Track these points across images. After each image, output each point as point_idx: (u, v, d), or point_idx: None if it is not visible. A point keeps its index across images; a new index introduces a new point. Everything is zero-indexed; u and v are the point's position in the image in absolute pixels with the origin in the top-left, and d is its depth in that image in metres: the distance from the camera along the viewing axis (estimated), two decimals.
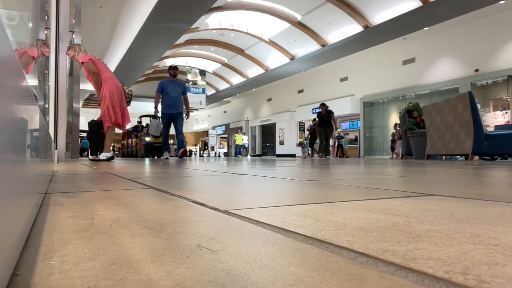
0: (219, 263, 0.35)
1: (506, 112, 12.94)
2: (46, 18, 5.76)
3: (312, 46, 16.80)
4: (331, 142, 18.07)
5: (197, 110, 28.94)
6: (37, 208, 0.67)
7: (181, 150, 7.28)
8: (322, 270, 0.33)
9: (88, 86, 5.29)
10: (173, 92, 7.32)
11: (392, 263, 0.35)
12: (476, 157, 6.15)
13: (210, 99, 27.64)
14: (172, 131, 7.83)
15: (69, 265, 0.35)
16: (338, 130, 15.97)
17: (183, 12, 11.69)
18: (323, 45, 16.28)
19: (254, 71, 21.41)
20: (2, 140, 0.27)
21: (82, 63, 4.83)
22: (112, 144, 5.46)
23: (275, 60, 19.41)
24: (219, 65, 22.73)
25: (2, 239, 0.26)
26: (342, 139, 17.93)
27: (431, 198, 0.86)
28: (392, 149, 15.69)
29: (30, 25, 5.60)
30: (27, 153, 0.52)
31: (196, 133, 36.42)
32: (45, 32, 5.69)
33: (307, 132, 18.58)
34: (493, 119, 13.02)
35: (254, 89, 24.15)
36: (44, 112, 5.44)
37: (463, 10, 11.62)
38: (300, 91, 21.78)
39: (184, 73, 23.94)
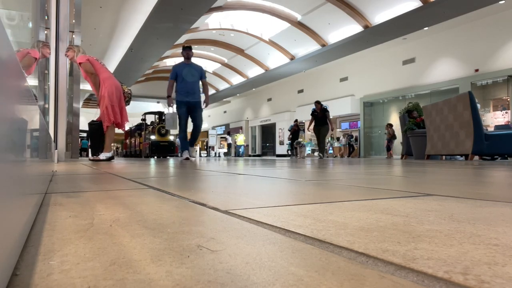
0: (219, 263, 0.35)
1: (506, 112, 12.94)
2: (46, 18, 5.76)
3: (312, 46, 16.80)
4: (342, 141, 17.80)
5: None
6: (37, 208, 0.67)
7: (187, 153, 6.26)
8: (322, 270, 0.33)
9: (88, 86, 5.27)
10: (188, 77, 6.28)
11: (392, 263, 0.35)
12: (476, 157, 6.15)
13: (210, 99, 27.61)
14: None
15: (69, 265, 0.35)
16: (333, 129, 15.94)
17: (183, 12, 11.69)
18: (323, 45, 16.27)
19: (254, 71, 21.41)
20: (2, 140, 0.27)
21: (80, 63, 4.84)
22: (113, 145, 5.47)
23: (275, 60, 19.41)
24: (219, 65, 22.73)
25: (2, 239, 0.26)
26: (353, 139, 17.67)
27: (431, 198, 0.86)
28: (388, 149, 15.74)
29: (30, 25, 5.60)
30: (27, 153, 0.52)
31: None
32: (45, 32, 5.69)
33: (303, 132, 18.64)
34: (493, 119, 13.02)
35: (254, 89, 24.15)
36: (44, 112, 5.44)
37: (463, 10, 11.62)
38: (300, 91, 21.78)
39: None
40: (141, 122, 15.54)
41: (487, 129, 12.18)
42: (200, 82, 6.54)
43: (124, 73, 18.34)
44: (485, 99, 13.49)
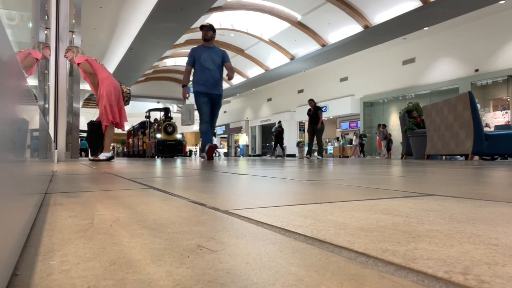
0: (219, 263, 0.35)
1: (506, 112, 12.94)
2: (46, 18, 5.76)
3: (312, 46, 16.80)
4: (354, 141, 17.56)
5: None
6: (37, 208, 0.67)
7: (208, 146, 5.25)
8: (322, 270, 0.33)
9: (88, 86, 5.27)
10: (208, 63, 5.28)
11: (392, 263, 0.35)
12: (476, 157, 6.15)
13: None
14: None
15: (69, 265, 0.35)
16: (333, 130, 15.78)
17: (183, 12, 11.70)
18: (323, 45, 16.28)
19: (254, 71, 21.42)
20: (2, 140, 0.27)
21: (79, 64, 4.85)
22: (112, 145, 5.46)
23: (275, 60, 19.42)
24: None
25: (2, 239, 0.26)
26: (365, 138, 17.27)
27: (431, 198, 0.86)
28: (388, 149, 15.77)
29: (30, 25, 5.61)
30: (27, 153, 0.52)
31: (196, 133, 36.44)
32: (45, 32, 5.69)
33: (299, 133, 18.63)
34: (493, 119, 13.02)
35: (254, 89, 24.15)
36: (44, 112, 5.44)
37: (463, 10, 11.62)
38: (300, 91, 21.78)
39: None
40: (145, 120, 14.57)
41: (487, 125, 12.18)
42: (224, 68, 5.50)
43: (124, 73, 18.35)
44: (485, 99, 13.50)
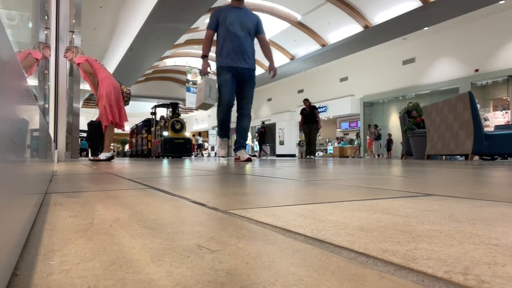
0: (219, 263, 0.35)
1: (506, 112, 12.94)
2: (46, 18, 5.77)
3: (312, 46, 16.80)
4: (382, 141, 17.44)
5: (197, 110, 28.95)
6: (37, 208, 0.67)
7: (239, 153, 4.20)
8: (322, 270, 0.33)
9: (88, 86, 5.28)
10: (236, 28, 4.06)
11: (392, 263, 0.35)
12: (476, 157, 6.15)
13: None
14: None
15: (69, 265, 0.35)
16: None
17: (183, 12, 11.70)
18: (323, 45, 16.28)
19: None
20: (2, 140, 0.27)
21: (78, 64, 4.85)
22: (113, 145, 5.47)
23: (275, 60, 19.39)
24: None
25: (2, 239, 0.26)
26: (391, 137, 16.37)
27: (431, 198, 0.86)
28: (389, 149, 15.78)
29: (30, 25, 5.61)
30: (27, 153, 0.52)
31: (196, 133, 36.45)
32: (45, 32, 5.70)
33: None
34: (493, 119, 13.02)
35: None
36: (44, 112, 5.45)
37: (463, 10, 11.62)
38: (300, 91, 21.78)
39: (184, 73, 23.94)
40: (150, 117, 13.51)
41: (485, 119, 12.15)
42: (256, 39, 4.35)
43: (124, 73, 18.36)
44: (485, 99, 13.50)
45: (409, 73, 15.56)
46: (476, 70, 13.06)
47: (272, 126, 24.78)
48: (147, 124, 13.55)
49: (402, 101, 15.82)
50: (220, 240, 0.45)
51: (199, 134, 26.00)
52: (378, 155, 15.74)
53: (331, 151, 20.75)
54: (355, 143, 18.64)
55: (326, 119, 20.65)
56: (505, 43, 12.23)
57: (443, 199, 0.85)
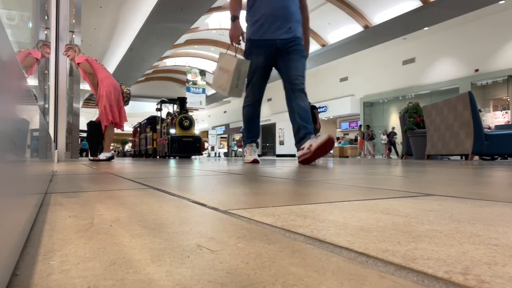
0: (219, 263, 0.35)
1: (506, 112, 12.95)
2: (46, 18, 5.77)
3: (312, 46, 16.80)
4: (383, 140, 17.44)
5: (197, 110, 28.98)
6: (37, 208, 0.67)
7: (310, 141, 2.94)
8: (322, 270, 0.33)
9: (88, 86, 5.28)
10: None
11: (392, 263, 0.35)
12: (476, 157, 6.15)
13: (210, 99, 27.64)
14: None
15: (69, 265, 0.35)
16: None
17: (183, 12, 11.70)
18: (323, 45, 16.28)
19: None
20: (2, 140, 0.27)
21: (78, 64, 4.85)
22: (112, 145, 5.47)
23: None
24: None
25: (2, 239, 0.26)
26: (395, 136, 16.03)
27: (431, 198, 0.86)
28: (389, 149, 15.80)
29: (30, 25, 5.61)
30: (27, 153, 0.52)
31: None
32: (45, 32, 5.70)
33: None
34: (493, 119, 13.03)
35: None
36: (44, 112, 5.45)
37: (463, 10, 11.62)
38: None
39: (184, 73, 23.94)
40: (155, 115, 12.67)
41: (488, 124, 12.18)
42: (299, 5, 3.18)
43: (124, 73, 18.36)
44: (485, 99, 13.50)
45: (409, 73, 15.56)
46: (476, 70, 13.06)
47: (272, 126, 24.79)
48: (152, 121, 12.67)
49: (402, 101, 15.82)
50: (220, 240, 0.45)
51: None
52: (372, 155, 15.76)
53: (331, 151, 20.76)
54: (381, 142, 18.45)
55: (326, 119, 20.64)
56: (505, 43, 12.24)
57: (443, 199, 0.85)
